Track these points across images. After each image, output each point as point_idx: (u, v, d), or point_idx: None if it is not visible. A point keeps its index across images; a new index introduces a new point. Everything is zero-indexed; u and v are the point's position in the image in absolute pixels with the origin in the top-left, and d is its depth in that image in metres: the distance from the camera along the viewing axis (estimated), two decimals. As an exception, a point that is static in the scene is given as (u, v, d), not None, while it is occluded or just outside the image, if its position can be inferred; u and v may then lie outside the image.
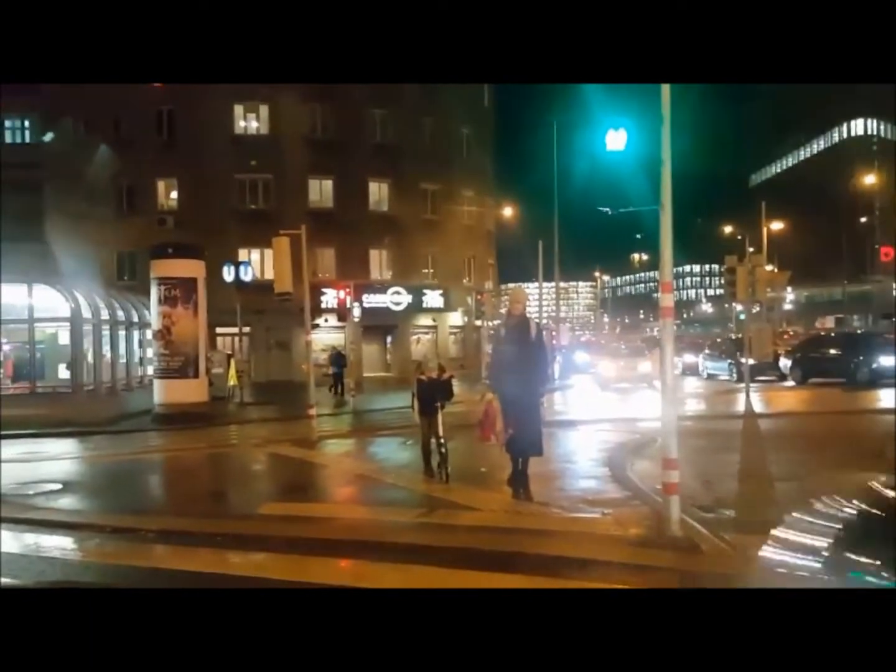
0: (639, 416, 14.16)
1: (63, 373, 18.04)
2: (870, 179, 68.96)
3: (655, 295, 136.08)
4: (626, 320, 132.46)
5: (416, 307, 32.68)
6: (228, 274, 23.11)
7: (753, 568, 4.69)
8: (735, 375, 23.69)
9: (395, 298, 31.83)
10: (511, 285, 67.06)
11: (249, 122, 31.93)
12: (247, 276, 23.25)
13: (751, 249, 32.28)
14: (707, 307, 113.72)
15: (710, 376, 27.09)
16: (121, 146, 29.60)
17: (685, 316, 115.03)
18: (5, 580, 3.81)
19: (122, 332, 19.49)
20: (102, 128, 30.13)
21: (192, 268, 17.08)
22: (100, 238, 27.72)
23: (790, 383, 22.16)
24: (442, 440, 7.71)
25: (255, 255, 30.03)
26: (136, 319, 20.09)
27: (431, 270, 34.03)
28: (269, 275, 30.58)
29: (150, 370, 19.02)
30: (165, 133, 30.94)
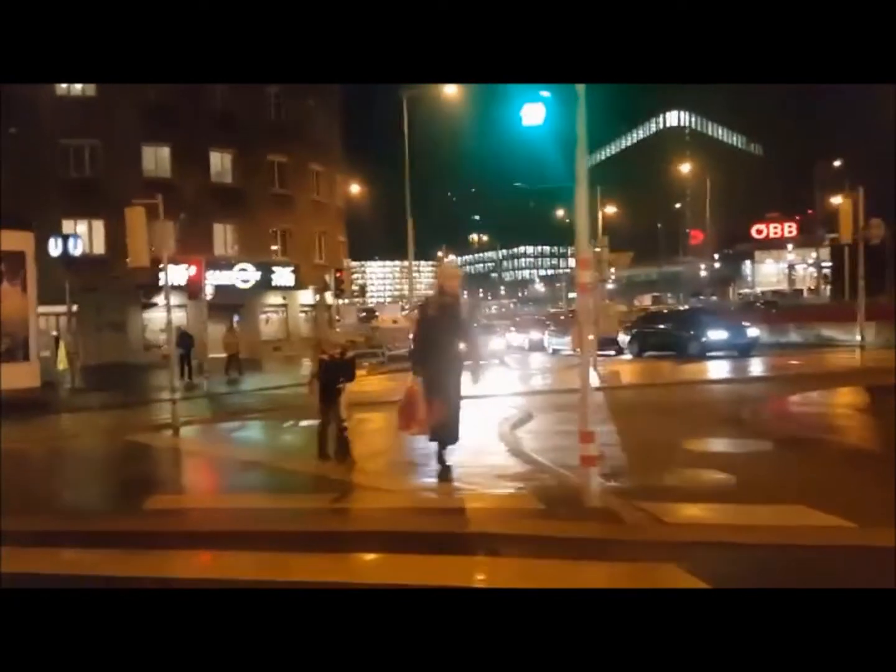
0: (498, 391, 14.60)
1: None
2: (683, 168, 75.37)
3: (493, 274, 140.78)
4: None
5: (265, 285, 31.47)
6: (56, 247, 20.94)
7: (676, 535, 4.98)
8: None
9: (243, 276, 30.45)
10: (367, 263, 65.80)
11: (72, 80, 28.95)
12: (76, 249, 21.23)
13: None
14: (540, 287, 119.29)
15: (555, 351, 28.52)
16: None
17: (520, 295, 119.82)
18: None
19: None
20: None
21: (19, 240, 15.31)
22: None
23: (628, 357, 23.78)
24: (344, 423, 7.44)
25: (81, 226, 27.52)
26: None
27: (280, 247, 32.87)
28: (98, 249, 28.15)
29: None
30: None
